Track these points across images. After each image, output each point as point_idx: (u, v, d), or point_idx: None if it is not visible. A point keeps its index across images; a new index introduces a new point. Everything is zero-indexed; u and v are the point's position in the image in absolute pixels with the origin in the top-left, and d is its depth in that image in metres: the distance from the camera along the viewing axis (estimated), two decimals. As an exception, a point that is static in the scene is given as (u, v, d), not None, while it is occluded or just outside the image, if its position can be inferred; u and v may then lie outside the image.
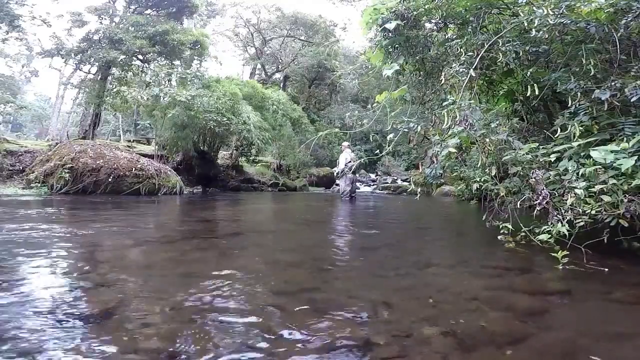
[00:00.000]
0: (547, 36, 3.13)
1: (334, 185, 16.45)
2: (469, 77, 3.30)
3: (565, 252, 2.31)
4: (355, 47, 27.31)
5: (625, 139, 2.43)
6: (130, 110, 16.26)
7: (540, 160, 2.83)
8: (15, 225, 3.43)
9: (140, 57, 15.31)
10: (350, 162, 8.70)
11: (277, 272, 2.21)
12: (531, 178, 2.77)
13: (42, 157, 8.64)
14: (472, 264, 2.53)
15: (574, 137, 2.69)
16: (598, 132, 2.73)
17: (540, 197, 2.66)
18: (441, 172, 3.52)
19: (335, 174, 9.78)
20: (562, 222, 2.50)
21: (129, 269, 2.15)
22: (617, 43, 2.78)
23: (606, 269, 2.21)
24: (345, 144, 9.81)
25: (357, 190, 10.60)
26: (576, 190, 2.39)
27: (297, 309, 1.58)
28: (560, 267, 2.26)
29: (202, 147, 11.92)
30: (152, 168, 8.68)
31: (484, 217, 3.36)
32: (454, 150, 3.01)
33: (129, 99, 10.16)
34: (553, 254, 2.36)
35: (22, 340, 1.21)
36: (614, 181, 2.27)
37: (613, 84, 2.66)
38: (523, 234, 2.88)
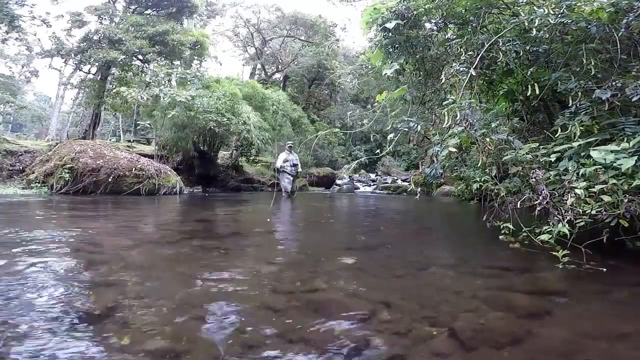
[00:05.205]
0: (547, 36, 3.13)
1: (334, 186, 16.48)
2: (469, 76, 3.29)
3: (565, 252, 2.31)
4: (355, 47, 27.35)
5: (625, 139, 2.43)
6: (130, 110, 16.24)
7: (541, 160, 2.83)
8: (15, 225, 3.42)
9: (140, 57, 15.31)
10: (287, 162, 9.13)
11: (277, 271, 2.20)
12: (531, 178, 2.76)
13: (42, 157, 8.63)
14: (472, 264, 2.52)
15: (574, 137, 2.69)
16: (598, 132, 2.73)
17: (541, 197, 2.65)
18: (441, 172, 3.52)
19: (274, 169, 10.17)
20: (562, 222, 2.50)
21: (128, 269, 2.14)
22: (618, 43, 2.78)
23: (606, 269, 2.21)
24: (290, 142, 10.10)
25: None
26: (576, 190, 2.38)
27: (297, 308, 1.58)
28: (561, 267, 2.26)
29: (202, 147, 11.91)
30: (152, 168, 8.67)
31: (484, 217, 3.36)
32: (454, 150, 3.00)
33: (129, 99, 10.14)
34: (553, 254, 2.36)
35: (21, 339, 1.21)
36: (614, 181, 2.27)
37: (614, 83, 2.66)
38: (524, 234, 2.88)
